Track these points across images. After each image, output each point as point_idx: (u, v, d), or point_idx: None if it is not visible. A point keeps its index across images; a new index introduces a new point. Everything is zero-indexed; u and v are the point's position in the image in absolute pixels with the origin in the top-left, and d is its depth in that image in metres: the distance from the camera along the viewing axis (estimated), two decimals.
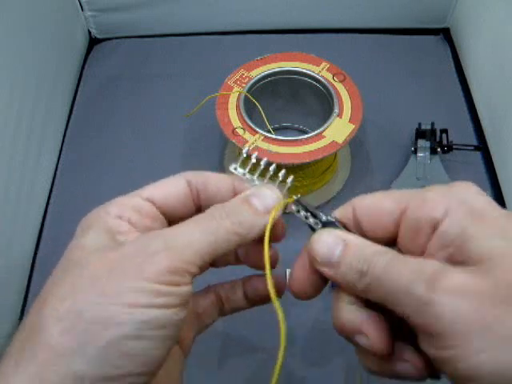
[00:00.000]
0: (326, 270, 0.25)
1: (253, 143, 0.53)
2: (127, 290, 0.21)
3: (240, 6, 0.77)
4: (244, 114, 0.55)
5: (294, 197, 0.27)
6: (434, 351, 0.21)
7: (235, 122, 0.55)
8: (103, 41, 0.81)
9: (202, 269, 0.24)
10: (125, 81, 0.75)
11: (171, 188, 0.27)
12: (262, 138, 0.53)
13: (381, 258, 0.22)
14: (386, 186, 0.60)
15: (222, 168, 0.64)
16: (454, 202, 0.22)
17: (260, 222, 0.25)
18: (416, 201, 0.23)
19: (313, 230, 0.26)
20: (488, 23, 0.66)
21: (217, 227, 0.24)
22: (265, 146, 0.52)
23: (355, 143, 0.65)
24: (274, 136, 0.53)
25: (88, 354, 0.21)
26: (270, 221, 0.25)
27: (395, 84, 0.72)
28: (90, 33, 0.81)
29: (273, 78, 0.60)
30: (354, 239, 0.24)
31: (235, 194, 0.27)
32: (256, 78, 0.58)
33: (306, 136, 0.53)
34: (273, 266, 0.29)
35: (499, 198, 0.60)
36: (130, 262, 0.22)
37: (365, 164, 0.64)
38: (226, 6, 0.77)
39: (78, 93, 0.74)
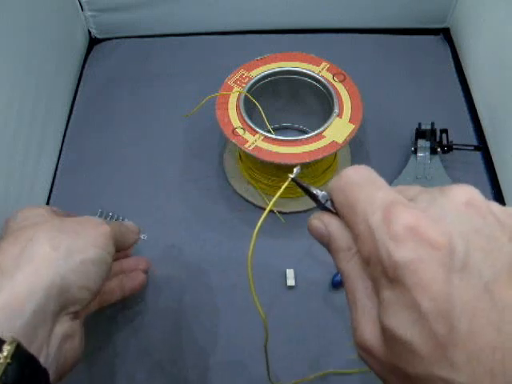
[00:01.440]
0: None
1: (253, 143, 0.53)
2: (93, 237, 0.37)
3: (240, 5, 0.77)
4: (244, 114, 0.55)
5: (290, 175, 0.29)
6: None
7: (235, 122, 0.55)
8: (103, 41, 0.81)
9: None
10: (125, 81, 0.75)
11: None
12: (262, 137, 0.53)
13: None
14: None
15: (221, 168, 0.64)
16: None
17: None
18: None
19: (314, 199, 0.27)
20: (488, 23, 0.66)
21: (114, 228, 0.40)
22: (265, 146, 0.53)
23: (355, 143, 0.65)
24: (274, 136, 0.53)
25: (70, 264, 0.34)
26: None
27: (395, 84, 0.72)
28: (90, 33, 0.81)
29: (273, 77, 0.60)
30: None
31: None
32: (256, 78, 0.58)
33: (305, 136, 0.53)
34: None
35: (499, 198, 0.60)
36: (89, 224, 0.38)
37: (365, 164, 0.64)
38: (226, 6, 0.77)
39: (78, 93, 0.74)
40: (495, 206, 0.22)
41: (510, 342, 0.18)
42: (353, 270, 0.24)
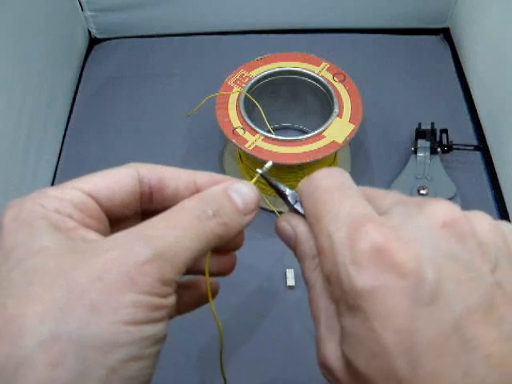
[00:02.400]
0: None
1: (253, 143, 0.53)
2: (123, 304, 0.18)
3: (240, 5, 0.77)
4: (244, 114, 0.55)
5: (259, 170, 0.26)
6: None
7: (235, 121, 0.55)
8: (103, 41, 0.81)
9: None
10: (125, 81, 0.75)
11: (118, 184, 0.23)
12: (262, 137, 0.53)
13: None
14: (386, 185, 0.60)
15: (221, 168, 0.64)
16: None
17: (239, 223, 0.22)
18: None
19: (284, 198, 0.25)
20: (488, 23, 0.66)
21: (203, 230, 0.21)
22: (265, 146, 0.53)
23: (355, 143, 0.65)
24: (274, 136, 0.53)
25: None
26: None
27: (395, 84, 0.72)
28: (90, 33, 0.81)
29: (273, 77, 0.60)
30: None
31: (198, 192, 0.24)
32: (256, 78, 0.58)
33: (306, 136, 0.53)
34: (227, 273, 0.28)
35: (499, 198, 0.60)
36: (118, 271, 0.18)
37: (365, 164, 0.64)
38: (226, 6, 0.77)
39: (78, 93, 0.74)
40: (481, 225, 0.19)
41: None
42: (317, 281, 0.21)
